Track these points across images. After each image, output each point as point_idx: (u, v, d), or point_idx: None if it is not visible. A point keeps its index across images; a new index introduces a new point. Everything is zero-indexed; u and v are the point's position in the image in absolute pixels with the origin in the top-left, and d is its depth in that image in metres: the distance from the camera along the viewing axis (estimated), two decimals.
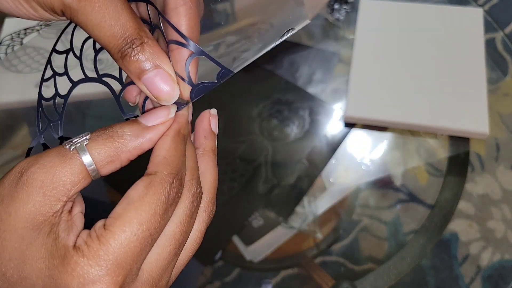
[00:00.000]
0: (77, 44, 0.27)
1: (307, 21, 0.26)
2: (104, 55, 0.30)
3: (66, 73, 0.27)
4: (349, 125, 0.62)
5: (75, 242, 0.21)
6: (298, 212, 0.57)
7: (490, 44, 0.67)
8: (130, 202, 0.22)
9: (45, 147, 0.27)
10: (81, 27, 0.23)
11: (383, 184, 0.58)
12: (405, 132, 0.61)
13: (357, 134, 0.61)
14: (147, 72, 0.23)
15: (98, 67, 0.28)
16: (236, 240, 0.55)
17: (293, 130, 0.62)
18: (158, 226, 0.22)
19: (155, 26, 0.25)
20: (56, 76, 0.27)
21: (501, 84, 0.64)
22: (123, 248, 0.21)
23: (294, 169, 0.59)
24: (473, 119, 0.58)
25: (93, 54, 0.26)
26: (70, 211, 0.22)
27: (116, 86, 0.26)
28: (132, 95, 0.27)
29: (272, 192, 0.57)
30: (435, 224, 0.55)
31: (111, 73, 0.26)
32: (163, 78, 0.23)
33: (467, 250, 0.54)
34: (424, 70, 0.63)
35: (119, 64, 0.23)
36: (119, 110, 0.26)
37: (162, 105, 0.25)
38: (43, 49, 0.65)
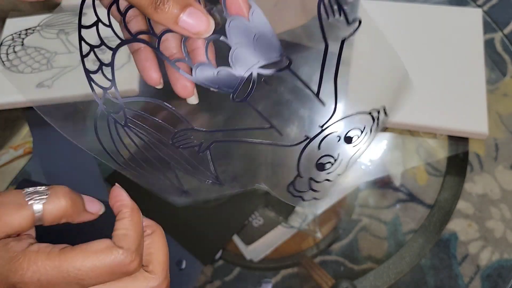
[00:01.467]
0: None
1: None
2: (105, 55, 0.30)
3: (102, 43, 0.29)
4: None
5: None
6: (298, 212, 0.57)
7: (489, 45, 0.67)
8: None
9: None
10: None
11: (383, 184, 0.58)
12: (405, 132, 0.61)
13: None
14: (181, 15, 0.25)
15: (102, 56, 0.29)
16: (236, 239, 0.55)
17: (293, 130, 0.62)
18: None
19: None
20: (95, 49, 0.29)
21: (500, 85, 0.64)
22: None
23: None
24: (472, 119, 0.58)
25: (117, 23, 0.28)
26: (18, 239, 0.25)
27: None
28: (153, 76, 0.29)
29: None
30: (434, 224, 0.55)
31: (142, 30, 0.28)
32: (197, 16, 0.26)
33: (466, 250, 0.54)
34: (423, 70, 0.63)
35: (154, 17, 0.25)
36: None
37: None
38: (44, 49, 0.66)
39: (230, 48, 0.26)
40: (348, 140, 0.37)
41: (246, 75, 0.27)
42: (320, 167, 0.38)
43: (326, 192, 0.48)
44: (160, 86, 0.30)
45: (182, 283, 0.53)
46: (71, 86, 0.59)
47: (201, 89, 0.28)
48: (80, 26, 0.29)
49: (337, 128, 0.35)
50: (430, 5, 0.69)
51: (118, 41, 0.28)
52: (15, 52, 0.65)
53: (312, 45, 0.69)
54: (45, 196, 0.25)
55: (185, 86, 0.29)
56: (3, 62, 0.63)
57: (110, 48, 0.28)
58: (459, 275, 0.53)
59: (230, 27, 0.26)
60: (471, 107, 0.59)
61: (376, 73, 0.40)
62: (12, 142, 0.63)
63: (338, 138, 0.36)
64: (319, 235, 0.56)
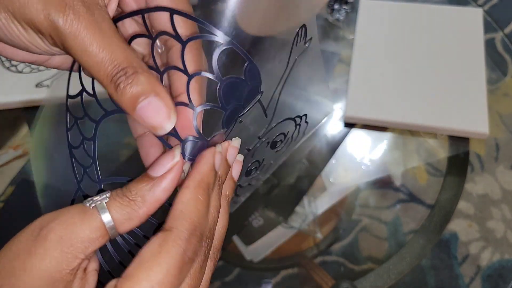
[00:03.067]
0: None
1: None
2: None
3: (86, 114, 0.26)
4: (349, 125, 0.62)
5: None
6: (298, 212, 0.57)
7: (490, 44, 0.67)
8: (142, 262, 0.21)
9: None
10: (71, 55, 0.22)
11: (383, 184, 0.58)
12: (405, 132, 0.61)
13: (357, 134, 0.61)
14: (141, 102, 0.22)
15: None
16: (236, 240, 0.55)
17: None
18: (172, 286, 0.21)
19: (159, 35, 0.25)
20: (78, 121, 0.27)
21: (501, 84, 0.64)
22: None
23: (294, 169, 0.59)
24: (473, 119, 0.58)
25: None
26: (85, 268, 0.22)
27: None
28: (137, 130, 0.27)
29: (272, 192, 0.58)
30: (435, 224, 0.55)
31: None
32: (160, 109, 0.22)
33: (466, 250, 0.54)
34: (424, 70, 0.63)
35: (113, 96, 0.22)
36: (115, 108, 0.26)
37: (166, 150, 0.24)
38: None
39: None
40: (273, 145, 0.39)
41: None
42: (248, 173, 0.39)
43: (246, 195, 0.51)
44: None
45: None
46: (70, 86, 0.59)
47: None
48: (67, 97, 0.27)
49: (268, 136, 0.36)
50: (430, 4, 0.69)
51: None
52: None
53: (312, 45, 0.69)
54: (106, 194, 0.22)
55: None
56: (2, 61, 0.63)
57: (93, 121, 0.25)
58: (460, 276, 0.52)
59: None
60: (471, 107, 0.59)
61: (304, 85, 0.43)
62: (11, 142, 0.63)
63: (267, 143, 0.38)
64: (319, 235, 0.55)
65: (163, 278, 0.20)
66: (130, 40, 0.25)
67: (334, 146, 0.60)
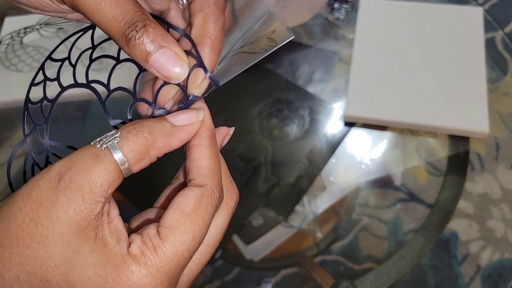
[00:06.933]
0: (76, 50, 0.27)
1: (291, 36, 0.27)
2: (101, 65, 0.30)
3: (57, 78, 0.27)
4: (349, 124, 0.62)
5: (128, 250, 0.21)
6: (298, 211, 0.57)
7: (490, 43, 0.67)
8: (185, 215, 0.22)
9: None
10: (82, 13, 0.23)
11: (383, 183, 0.58)
12: (405, 132, 0.61)
13: (357, 133, 0.61)
14: (153, 54, 0.23)
15: (98, 66, 0.28)
16: (236, 239, 0.55)
17: (293, 129, 0.62)
18: (205, 234, 0.23)
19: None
20: (47, 81, 0.27)
21: (501, 84, 0.64)
22: (177, 260, 0.21)
23: (294, 169, 0.59)
24: (473, 118, 0.58)
25: (87, 63, 0.26)
26: (108, 212, 0.22)
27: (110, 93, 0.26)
28: (144, 108, 0.26)
29: (272, 191, 0.57)
30: (435, 224, 0.55)
31: (99, 80, 0.26)
32: (171, 58, 0.23)
33: (466, 250, 0.54)
34: (424, 69, 0.63)
35: (125, 50, 0.23)
36: (117, 109, 0.26)
37: (186, 106, 0.25)
38: (43, 48, 0.65)
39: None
40: None
41: None
42: None
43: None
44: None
45: None
46: (59, 90, 0.59)
47: None
48: (48, 57, 0.27)
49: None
50: (431, 4, 0.69)
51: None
52: (14, 51, 0.65)
53: (312, 44, 0.69)
54: (116, 135, 0.22)
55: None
56: (2, 61, 0.63)
57: (60, 86, 0.26)
58: (460, 275, 0.52)
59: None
60: (471, 106, 0.59)
61: None
62: (11, 141, 0.63)
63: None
64: (319, 234, 0.55)
65: (203, 230, 0.22)
66: None
67: (334, 146, 0.60)
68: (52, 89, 0.27)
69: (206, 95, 0.26)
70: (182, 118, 0.24)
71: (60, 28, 0.67)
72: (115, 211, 0.23)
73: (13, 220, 0.21)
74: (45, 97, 0.27)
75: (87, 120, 0.63)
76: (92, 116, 0.63)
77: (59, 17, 0.27)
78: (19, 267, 0.20)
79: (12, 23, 0.68)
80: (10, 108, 0.62)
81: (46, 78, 0.27)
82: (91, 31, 0.26)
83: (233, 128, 0.29)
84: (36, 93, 0.27)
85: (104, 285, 0.20)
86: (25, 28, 0.67)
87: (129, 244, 0.21)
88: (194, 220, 0.22)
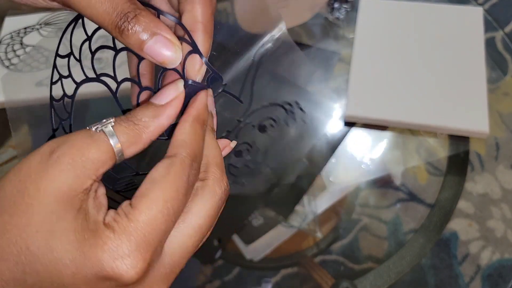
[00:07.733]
0: (77, 44, 0.28)
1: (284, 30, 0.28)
2: (103, 54, 0.30)
3: (70, 75, 0.28)
4: (349, 124, 0.62)
5: (104, 219, 0.22)
6: (298, 211, 0.57)
7: (490, 43, 0.67)
8: (154, 182, 0.22)
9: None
10: (74, 9, 0.24)
11: (383, 183, 0.58)
12: (405, 131, 0.61)
13: (357, 133, 0.61)
14: (147, 41, 0.24)
15: (98, 66, 0.28)
16: (236, 239, 0.55)
17: (293, 129, 0.62)
18: (180, 205, 0.23)
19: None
20: (62, 79, 0.28)
21: (501, 84, 0.64)
22: (150, 225, 0.21)
23: (294, 168, 0.59)
24: (473, 118, 0.58)
25: (90, 55, 0.27)
26: (96, 190, 0.23)
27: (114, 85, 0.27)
28: (135, 98, 0.28)
29: (272, 191, 0.57)
30: (435, 223, 0.55)
31: (108, 73, 0.27)
32: (164, 44, 0.24)
33: (466, 249, 0.54)
34: (424, 69, 0.63)
35: (120, 40, 0.24)
36: (117, 108, 0.27)
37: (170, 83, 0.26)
38: (43, 48, 0.65)
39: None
40: (262, 128, 0.43)
41: None
42: (238, 154, 0.43)
43: (250, 181, 0.54)
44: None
45: (181, 283, 0.53)
46: (75, 86, 0.59)
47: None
48: (56, 54, 0.28)
49: (251, 119, 0.40)
50: (430, 3, 0.69)
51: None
52: (14, 51, 0.65)
53: (312, 44, 0.69)
54: (111, 120, 0.23)
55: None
56: (2, 61, 0.63)
57: (75, 82, 0.27)
58: (460, 275, 0.52)
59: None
60: (471, 106, 0.59)
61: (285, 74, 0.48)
62: (12, 141, 0.63)
63: (253, 126, 0.42)
64: (319, 234, 0.55)
65: (175, 195, 0.22)
66: None
67: (334, 145, 0.60)
68: (66, 86, 0.28)
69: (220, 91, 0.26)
70: (164, 95, 0.25)
71: (60, 28, 0.67)
72: (102, 190, 0.24)
73: (1, 192, 0.21)
74: (64, 94, 0.28)
75: (87, 120, 0.63)
76: (92, 116, 0.63)
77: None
78: None
79: (12, 23, 0.68)
80: (10, 108, 0.62)
81: (61, 76, 0.28)
82: (81, 20, 0.27)
83: (234, 142, 0.29)
84: (54, 91, 0.29)
85: (82, 249, 0.21)
86: (25, 28, 0.67)
87: (105, 215, 0.22)
88: (163, 186, 0.22)
